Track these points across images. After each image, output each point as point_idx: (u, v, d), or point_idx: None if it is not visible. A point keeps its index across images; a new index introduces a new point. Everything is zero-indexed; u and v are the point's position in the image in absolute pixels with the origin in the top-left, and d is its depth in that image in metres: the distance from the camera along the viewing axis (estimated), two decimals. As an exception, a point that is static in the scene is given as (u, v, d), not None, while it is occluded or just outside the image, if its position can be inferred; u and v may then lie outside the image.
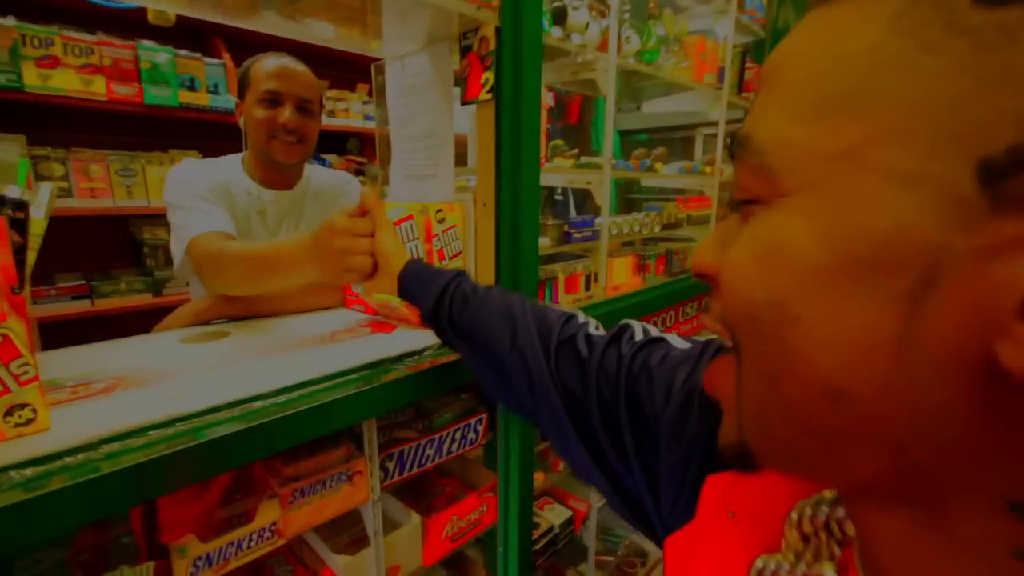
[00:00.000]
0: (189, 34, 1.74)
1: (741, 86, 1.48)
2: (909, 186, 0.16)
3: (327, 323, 0.89)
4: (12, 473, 0.43)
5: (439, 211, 0.81)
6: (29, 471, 0.43)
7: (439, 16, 0.76)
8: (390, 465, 0.73)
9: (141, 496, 0.46)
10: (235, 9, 0.78)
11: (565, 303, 0.99)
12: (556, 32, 0.88)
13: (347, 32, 0.89)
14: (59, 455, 0.45)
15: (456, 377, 0.74)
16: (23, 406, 0.47)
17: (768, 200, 0.20)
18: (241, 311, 0.92)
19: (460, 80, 0.82)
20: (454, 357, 0.73)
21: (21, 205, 0.46)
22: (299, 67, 1.03)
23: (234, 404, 0.55)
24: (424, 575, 0.85)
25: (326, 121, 2.04)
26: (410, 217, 0.84)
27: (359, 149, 2.39)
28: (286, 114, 1.00)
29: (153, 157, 1.63)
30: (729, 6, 1.34)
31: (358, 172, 2.23)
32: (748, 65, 1.50)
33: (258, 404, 0.56)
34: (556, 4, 0.87)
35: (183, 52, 1.56)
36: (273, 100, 1.00)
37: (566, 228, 0.96)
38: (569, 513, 1.16)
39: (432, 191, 0.90)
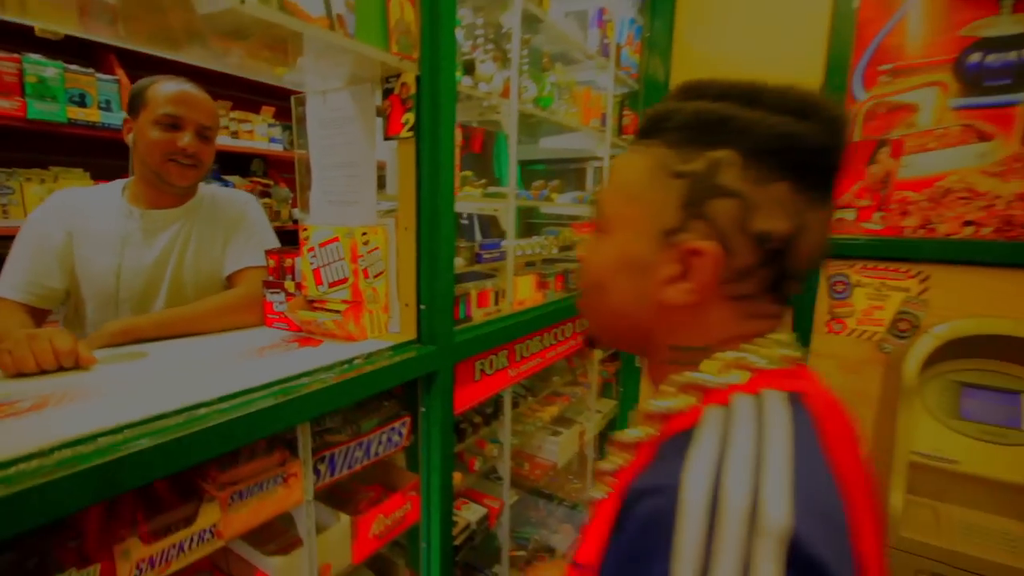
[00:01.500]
0: (80, 49, 1.63)
1: (620, 129, 1.74)
2: (642, 237, 0.43)
3: (251, 340, 0.92)
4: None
5: (364, 234, 0.90)
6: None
7: (362, 62, 0.86)
8: (322, 468, 0.79)
9: (93, 498, 0.49)
10: (158, 40, 0.82)
11: (478, 316, 1.10)
12: (467, 81, 1.02)
13: (260, 65, 0.93)
14: (11, 463, 0.47)
15: (382, 383, 0.82)
16: (-39, 420, 0.48)
17: (604, 231, 0.47)
18: (154, 334, 0.92)
19: (382, 117, 0.92)
20: (382, 364, 0.81)
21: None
22: (200, 93, 1.06)
23: (178, 412, 0.59)
24: (352, 574, 0.90)
25: (230, 143, 1.99)
26: (336, 239, 0.91)
27: (263, 171, 2.34)
28: (186, 139, 1.03)
29: (33, 174, 1.49)
30: (609, 63, 1.58)
31: (264, 194, 2.18)
32: (625, 112, 1.76)
33: (201, 411, 0.60)
34: (466, 58, 1.01)
35: (74, 67, 1.47)
36: (172, 124, 1.02)
37: (477, 250, 1.09)
38: (484, 511, 1.26)
39: (354, 215, 0.98)
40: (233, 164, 2.20)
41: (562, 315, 1.38)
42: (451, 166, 0.91)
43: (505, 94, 1.14)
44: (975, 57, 1.36)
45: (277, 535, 0.82)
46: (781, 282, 0.41)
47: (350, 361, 0.81)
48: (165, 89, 1.02)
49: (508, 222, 1.19)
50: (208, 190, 1.17)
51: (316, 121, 1.03)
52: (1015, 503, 1.11)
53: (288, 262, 1.01)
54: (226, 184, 2.03)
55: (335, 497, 0.96)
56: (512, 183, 1.19)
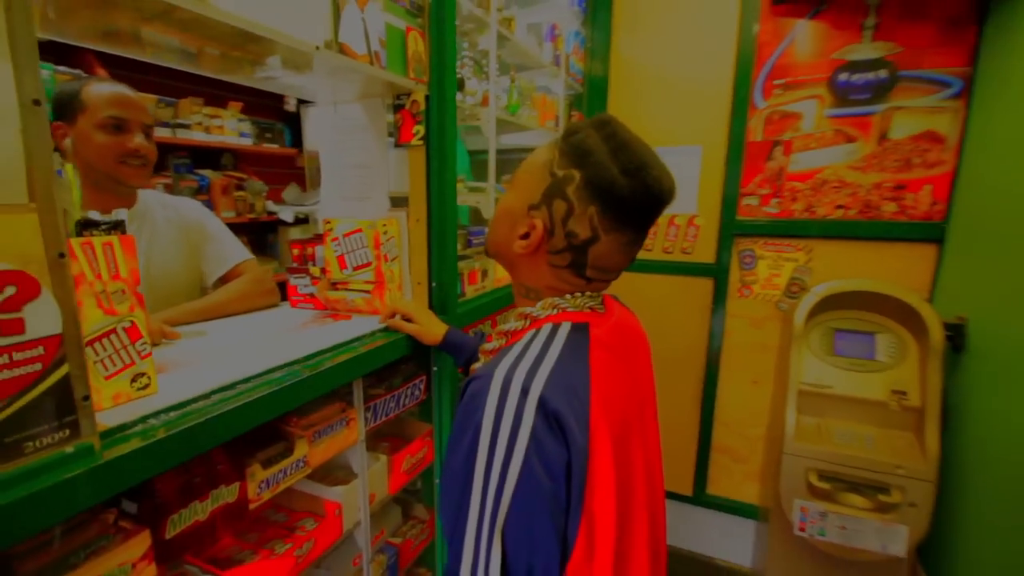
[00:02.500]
0: (59, 50, 1.59)
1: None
2: (522, 202, 0.66)
3: (285, 319, 1.08)
4: (150, 420, 0.61)
5: (384, 225, 1.08)
6: (172, 413, 0.61)
7: (376, 83, 1.04)
8: (368, 415, 0.98)
9: (241, 428, 0.67)
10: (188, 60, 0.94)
11: (470, 292, 1.31)
12: (459, 96, 1.21)
13: (231, 66, 0.94)
14: (182, 404, 0.63)
15: (411, 345, 1.02)
16: (141, 375, 0.64)
17: (511, 187, 0.69)
18: (193, 319, 1.05)
19: (394, 127, 1.10)
20: (409, 333, 1.01)
21: None
22: (135, 93, 1.08)
23: (278, 368, 0.77)
24: (386, 505, 1.10)
25: (203, 137, 2.01)
26: (359, 230, 1.09)
27: (234, 164, 2.36)
28: (137, 140, 1.06)
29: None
30: (560, 71, 1.81)
31: (239, 187, 2.22)
32: (573, 112, 2.02)
33: (295, 368, 0.78)
34: (458, 76, 1.21)
35: (62, 68, 1.46)
36: (117, 126, 1.04)
37: (468, 236, 1.29)
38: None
39: (367, 209, 1.16)
40: (205, 158, 2.21)
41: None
42: (455, 168, 1.11)
43: (484, 103, 1.34)
44: (844, 76, 1.74)
45: (327, 476, 1.00)
46: (581, 267, 0.64)
47: (383, 330, 1.00)
48: (102, 91, 1.03)
49: (489, 211, 1.40)
50: (151, 194, 1.19)
51: (328, 128, 1.18)
52: (871, 413, 1.51)
53: (310, 250, 1.17)
54: (200, 178, 2.05)
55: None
56: (491, 178, 1.41)
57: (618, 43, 2.07)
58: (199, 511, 0.67)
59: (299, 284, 1.16)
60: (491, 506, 0.51)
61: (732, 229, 1.96)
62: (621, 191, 0.59)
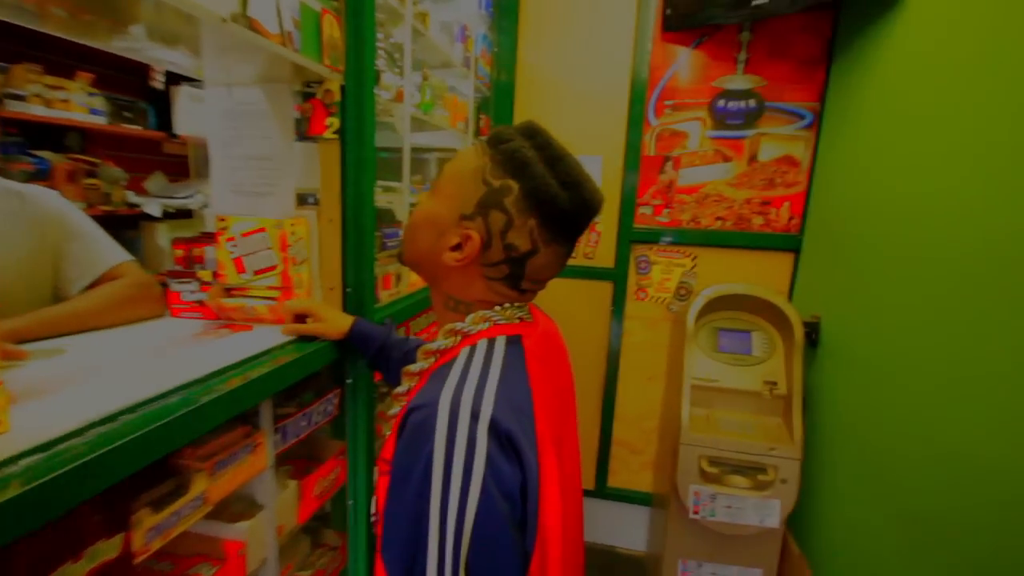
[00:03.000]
0: None
1: (477, 130, 1.98)
2: (450, 210, 0.63)
3: (170, 330, 0.92)
4: (3, 469, 0.47)
5: (292, 224, 0.98)
6: (35, 458, 0.48)
7: (282, 64, 0.93)
8: (277, 437, 0.87)
9: (127, 470, 0.55)
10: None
11: (384, 297, 1.24)
12: (375, 90, 1.14)
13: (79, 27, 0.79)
14: (47, 445, 0.50)
15: (326, 358, 0.93)
16: (-16, 410, 0.50)
17: (434, 193, 0.66)
18: (43, 333, 0.86)
19: (302, 117, 1.00)
20: (321, 344, 0.92)
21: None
22: None
23: (175, 390, 0.65)
24: (295, 535, 0.99)
25: (41, 112, 1.63)
26: (262, 230, 0.97)
27: (81, 146, 1.95)
28: None
29: None
30: (470, 73, 1.80)
31: (89, 173, 1.84)
32: (481, 116, 2.01)
33: (183, 394, 0.67)
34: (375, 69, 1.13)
35: None
36: None
37: (383, 239, 1.22)
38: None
39: (269, 206, 1.04)
40: (44, 137, 1.80)
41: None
42: (373, 166, 1.04)
43: (399, 99, 1.28)
44: (721, 102, 1.95)
45: (224, 511, 0.88)
46: (517, 279, 0.64)
47: (292, 342, 0.90)
48: None
49: (403, 213, 1.34)
50: None
51: (218, 112, 1.04)
52: (750, 402, 1.71)
53: (197, 251, 1.02)
54: (38, 161, 1.68)
55: (265, 473, 1.02)
56: (406, 179, 1.34)
57: (523, 50, 2.10)
58: (69, 576, 0.54)
59: (183, 290, 1.00)
60: (452, 540, 0.48)
61: (630, 236, 2.09)
62: (563, 205, 0.59)
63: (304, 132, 1.00)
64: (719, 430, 1.65)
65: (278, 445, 0.88)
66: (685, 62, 1.96)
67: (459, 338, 0.63)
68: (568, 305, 2.20)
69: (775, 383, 1.68)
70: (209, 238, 1.01)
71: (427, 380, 0.59)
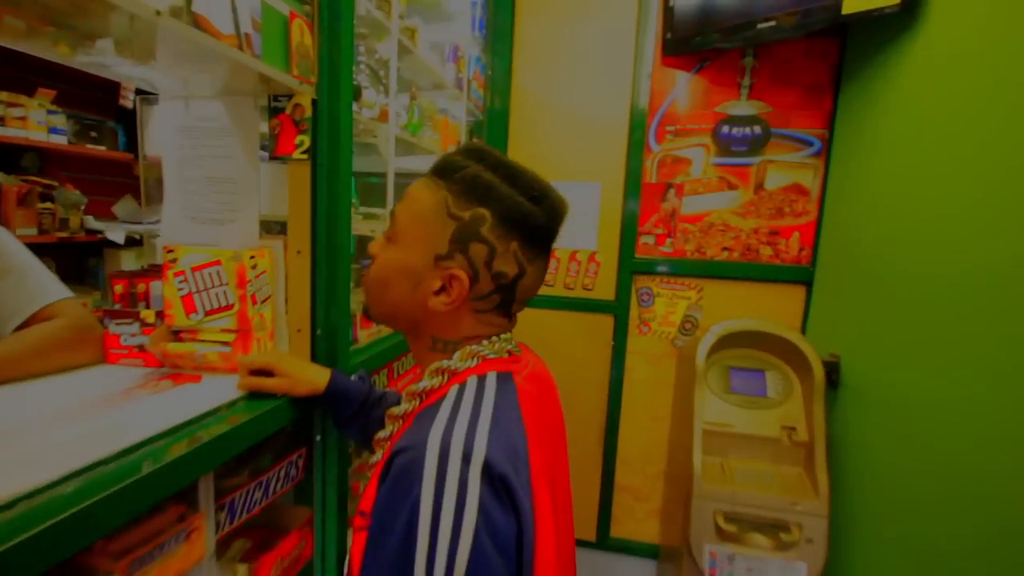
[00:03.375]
0: None
1: (471, 156, 1.88)
2: (421, 255, 0.60)
3: (103, 381, 0.77)
4: None
5: (252, 257, 0.84)
6: None
7: (246, 76, 0.81)
8: (221, 516, 0.72)
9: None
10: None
11: (363, 338, 1.10)
12: (354, 107, 1.02)
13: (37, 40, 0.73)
14: None
15: (288, 415, 0.78)
16: None
17: (393, 242, 0.62)
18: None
19: (269, 135, 0.88)
20: (280, 401, 0.77)
21: None
22: None
23: (90, 467, 0.50)
24: (245, 631, 0.82)
25: None
26: (216, 263, 0.83)
27: (38, 167, 1.81)
28: None
29: None
30: (462, 95, 1.70)
31: (44, 197, 1.69)
32: (474, 139, 1.91)
33: (110, 466, 0.52)
34: (354, 84, 1.02)
35: None
36: None
37: (361, 271, 1.08)
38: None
39: (229, 236, 0.90)
40: None
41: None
42: (349, 191, 0.91)
43: (383, 118, 1.17)
44: (725, 128, 1.86)
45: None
46: (508, 305, 0.62)
47: (245, 398, 0.75)
48: None
49: (387, 244, 1.21)
50: None
51: (173, 128, 0.91)
52: (766, 449, 1.56)
53: (140, 287, 0.88)
54: None
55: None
56: (389, 205, 1.22)
57: (518, 74, 2.02)
58: None
59: (123, 333, 0.86)
60: None
61: (631, 267, 1.97)
62: (537, 220, 0.58)
63: (271, 151, 0.88)
64: (735, 482, 1.50)
65: (223, 526, 0.72)
66: (687, 87, 1.88)
67: (446, 377, 0.60)
68: (566, 340, 2.06)
69: (794, 428, 1.54)
70: (156, 271, 0.87)
71: (413, 421, 0.55)
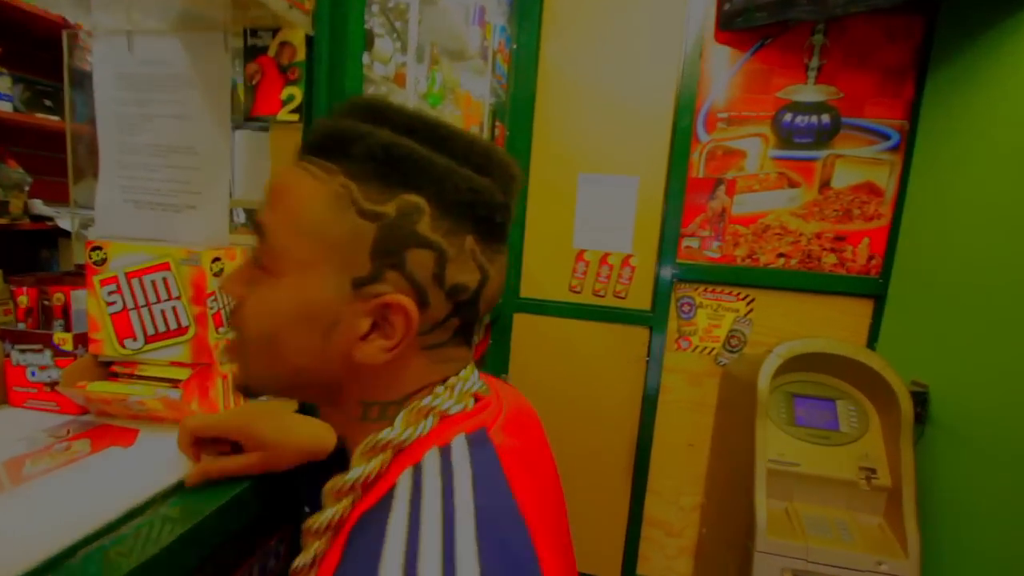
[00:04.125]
0: None
1: (493, 140, 1.62)
2: (327, 284, 0.36)
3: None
4: None
5: (216, 260, 0.58)
6: None
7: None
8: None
9: None
10: None
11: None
12: (364, 58, 0.77)
13: None
14: None
15: (247, 513, 0.53)
16: None
17: (272, 271, 0.38)
18: None
19: (245, 84, 0.62)
20: (245, 485, 0.52)
21: None
22: None
23: None
24: None
25: None
26: (164, 266, 0.57)
27: None
28: None
29: None
30: (487, 67, 1.44)
31: None
32: (497, 124, 1.66)
33: None
34: (365, 28, 0.76)
35: None
36: None
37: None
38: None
39: (188, 229, 0.65)
40: None
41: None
42: (357, 169, 0.65)
43: (399, 81, 0.91)
44: (787, 117, 1.61)
45: None
46: (470, 327, 0.42)
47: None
48: None
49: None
50: None
51: (112, 76, 0.65)
52: (840, 494, 1.33)
53: (57, 298, 0.62)
54: None
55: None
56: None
57: (547, 49, 1.77)
58: None
59: (30, 364, 0.60)
60: None
61: (671, 273, 1.72)
62: (493, 198, 0.38)
63: (247, 110, 0.62)
64: (806, 534, 1.26)
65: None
66: (744, 68, 1.63)
67: (390, 456, 0.38)
68: (593, 354, 1.82)
69: (873, 470, 1.30)
70: (80, 278, 0.62)
71: (346, 543, 0.34)
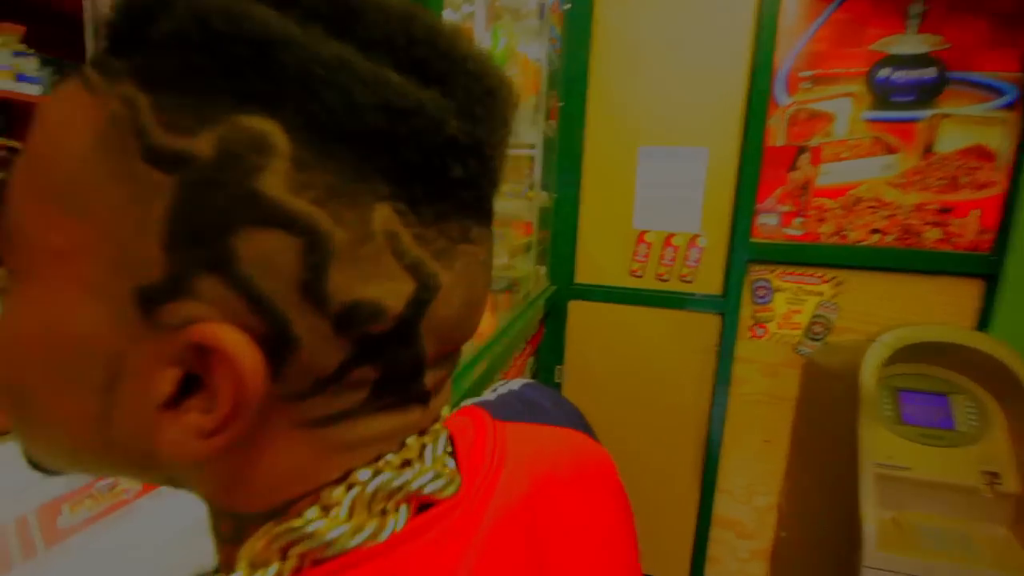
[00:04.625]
0: None
1: (547, 113, 1.48)
2: (96, 299, 0.18)
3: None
4: None
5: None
6: None
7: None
8: None
9: None
10: None
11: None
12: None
13: None
14: None
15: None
16: None
17: (14, 272, 0.20)
18: None
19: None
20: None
21: None
22: None
23: None
24: None
25: None
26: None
27: (4, 125, 1.46)
28: None
29: None
30: (545, 27, 1.30)
31: (7, 163, 1.36)
32: (551, 93, 1.51)
33: None
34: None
35: None
36: None
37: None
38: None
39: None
40: None
41: (517, 344, 1.07)
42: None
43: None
44: (884, 72, 1.42)
45: None
46: (406, 380, 0.22)
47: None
48: None
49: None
50: None
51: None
52: (959, 502, 1.17)
53: None
54: None
55: None
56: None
57: (602, 9, 1.60)
58: None
59: None
60: None
61: (745, 254, 1.56)
62: (439, 127, 0.19)
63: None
64: (920, 547, 1.12)
65: None
66: (831, 19, 1.44)
67: None
68: (657, 343, 1.68)
69: (997, 475, 1.14)
70: None
71: None
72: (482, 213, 0.22)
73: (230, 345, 0.17)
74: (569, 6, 1.58)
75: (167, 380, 0.18)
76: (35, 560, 0.33)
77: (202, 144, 0.17)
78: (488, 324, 0.98)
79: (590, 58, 1.61)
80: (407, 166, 0.19)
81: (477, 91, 0.20)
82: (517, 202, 1.28)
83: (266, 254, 0.17)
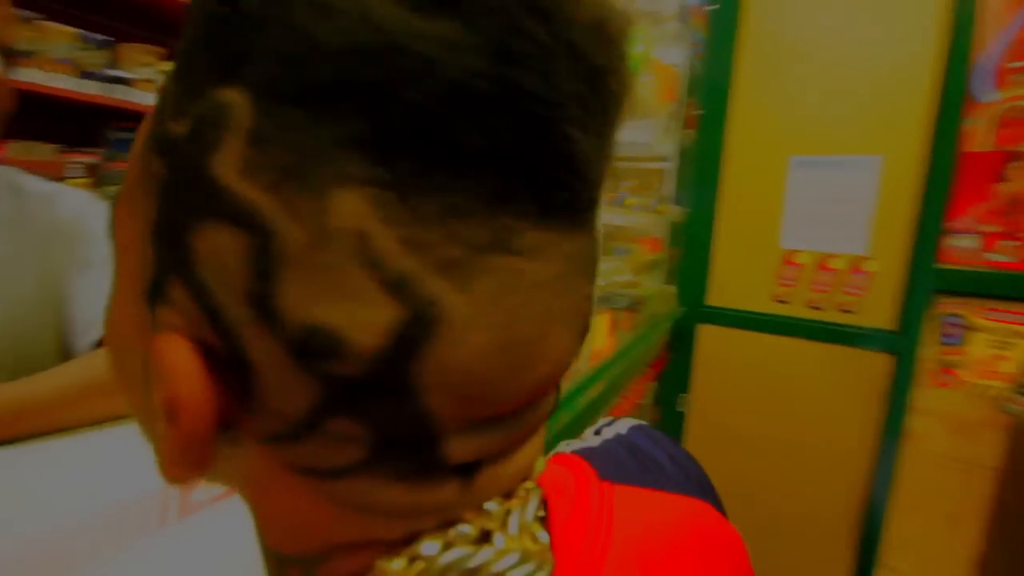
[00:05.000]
0: None
1: (684, 120, 1.38)
2: (133, 298, 0.17)
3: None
4: None
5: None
6: None
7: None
8: None
9: None
10: None
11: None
12: None
13: None
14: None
15: None
16: None
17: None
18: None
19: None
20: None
21: None
22: None
23: None
24: None
25: (151, 101, 1.41)
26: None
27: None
28: None
29: None
30: (686, 30, 1.21)
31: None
32: (689, 101, 1.41)
33: None
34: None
35: None
36: None
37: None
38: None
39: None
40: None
41: (638, 367, 0.98)
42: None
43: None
44: None
45: None
46: (413, 445, 0.16)
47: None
48: None
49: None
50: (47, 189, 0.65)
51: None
52: None
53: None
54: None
55: None
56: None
57: (751, 6, 1.45)
58: None
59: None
60: None
61: (930, 283, 1.29)
62: (481, 87, 0.13)
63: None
64: None
65: None
66: (1066, -8, 1.14)
67: None
68: (805, 381, 1.45)
69: None
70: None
71: None
72: (550, 209, 0.15)
73: (167, 364, 0.15)
74: (716, 6, 1.46)
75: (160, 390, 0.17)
76: (166, 528, 0.35)
77: (181, 125, 0.15)
78: (606, 345, 0.91)
79: (735, 61, 1.48)
80: (389, 132, 0.13)
81: (519, 14, 0.13)
82: (646, 216, 1.20)
83: (218, 254, 0.14)
